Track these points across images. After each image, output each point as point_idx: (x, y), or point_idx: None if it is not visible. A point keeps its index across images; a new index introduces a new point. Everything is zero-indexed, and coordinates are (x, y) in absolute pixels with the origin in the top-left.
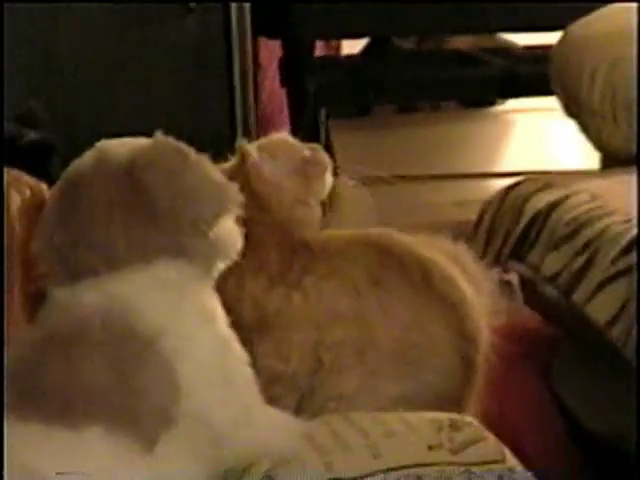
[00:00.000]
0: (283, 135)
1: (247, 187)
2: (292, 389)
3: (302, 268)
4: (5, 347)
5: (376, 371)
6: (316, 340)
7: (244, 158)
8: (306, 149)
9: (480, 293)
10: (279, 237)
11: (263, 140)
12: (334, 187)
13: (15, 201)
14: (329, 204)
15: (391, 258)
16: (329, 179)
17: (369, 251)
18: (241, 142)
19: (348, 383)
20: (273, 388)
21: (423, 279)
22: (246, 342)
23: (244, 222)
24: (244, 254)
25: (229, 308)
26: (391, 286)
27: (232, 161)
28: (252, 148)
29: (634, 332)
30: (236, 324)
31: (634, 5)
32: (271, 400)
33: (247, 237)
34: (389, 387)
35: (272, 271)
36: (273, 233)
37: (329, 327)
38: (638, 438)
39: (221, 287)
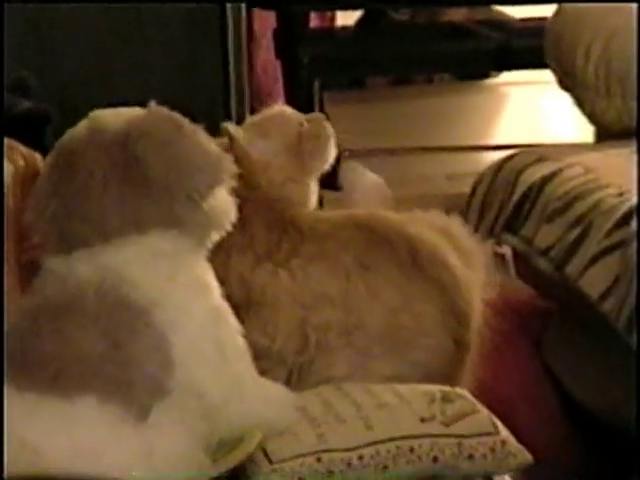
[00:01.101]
0: (280, 108)
1: (236, 167)
2: (279, 364)
3: (290, 248)
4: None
5: (365, 352)
6: (302, 318)
7: (230, 140)
8: (306, 121)
9: (472, 267)
10: (268, 215)
11: (257, 116)
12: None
13: (9, 171)
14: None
15: (380, 241)
16: (331, 152)
17: (358, 234)
18: (226, 124)
19: (339, 365)
20: (260, 363)
21: (412, 261)
22: None
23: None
24: (232, 231)
25: None
26: (380, 269)
27: (221, 141)
28: (237, 130)
29: (626, 306)
30: None
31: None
32: (260, 374)
33: (236, 214)
34: (381, 368)
35: (259, 249)
36: (262, 211)
37: (316, 307)
38: (638, 414)
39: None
